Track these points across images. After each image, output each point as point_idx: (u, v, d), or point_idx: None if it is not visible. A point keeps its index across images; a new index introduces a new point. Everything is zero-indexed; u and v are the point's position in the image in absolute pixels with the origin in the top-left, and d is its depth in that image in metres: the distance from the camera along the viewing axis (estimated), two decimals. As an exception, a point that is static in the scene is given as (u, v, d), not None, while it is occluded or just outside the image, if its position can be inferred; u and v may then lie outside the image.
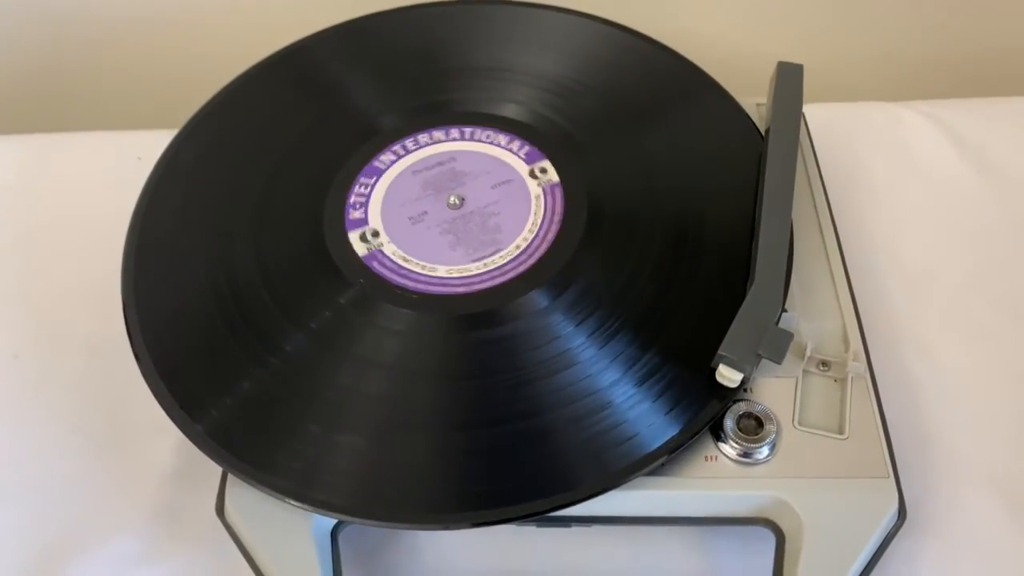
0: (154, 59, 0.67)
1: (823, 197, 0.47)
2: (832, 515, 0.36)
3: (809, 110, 0.49)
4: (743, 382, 0.38)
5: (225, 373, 0.39)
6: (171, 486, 0.43)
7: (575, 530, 0.38)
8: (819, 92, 0.53)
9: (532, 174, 0.45)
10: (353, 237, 0.43)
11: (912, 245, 0.52)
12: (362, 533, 0.41)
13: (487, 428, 0.38)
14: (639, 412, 0.38)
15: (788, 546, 0.37)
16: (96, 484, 0.44)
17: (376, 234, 0.43)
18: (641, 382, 0.38)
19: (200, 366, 0.40)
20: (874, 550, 0.37)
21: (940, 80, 0.66)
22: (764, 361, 0.39)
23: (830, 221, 0.46)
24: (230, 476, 0.38)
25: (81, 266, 0.52)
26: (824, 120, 0.54)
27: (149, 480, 0.44)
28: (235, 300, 0.41)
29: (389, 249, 0.42)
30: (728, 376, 0.38)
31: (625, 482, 0.36)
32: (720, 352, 0.37)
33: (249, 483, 0.37)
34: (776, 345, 0.37)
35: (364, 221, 0.43)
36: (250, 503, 0.38)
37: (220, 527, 0.39)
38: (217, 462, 0.38)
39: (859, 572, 0.36)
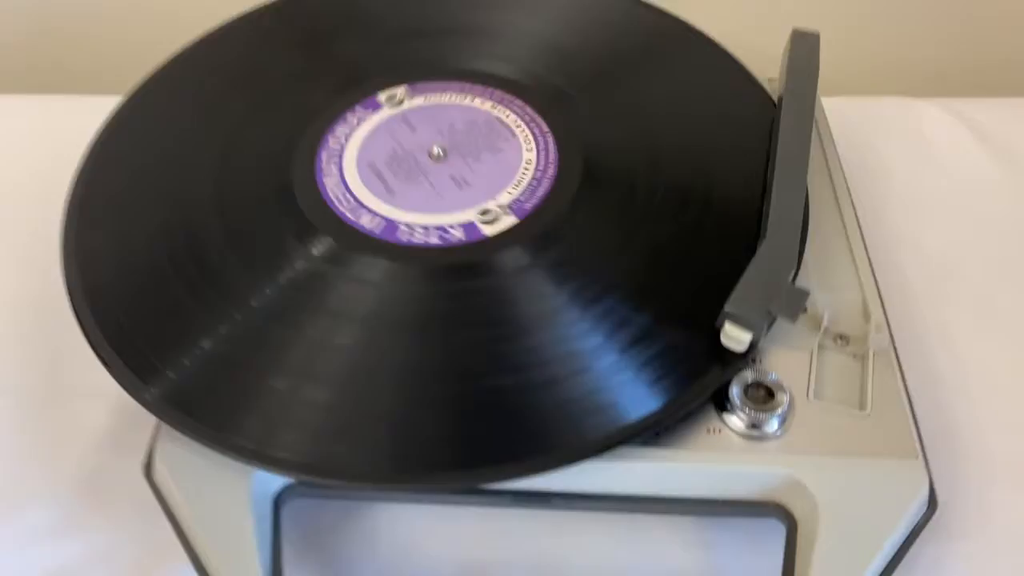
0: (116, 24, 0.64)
1: (840, 175, 0.44)
2: (852, 499, 0.32)
3: (829, 104, 0.48)
4: (751, 345, 0.33)
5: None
6: (100, 452, 0.38)
7: (564, 521, 0.34)
8: (840, 89, 0.51)
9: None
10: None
11: (935, 239, 0.48)
12: (313, 515, 0.36)
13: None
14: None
15: (801, 534, 0.32)
16: (16, 448, 0.39)
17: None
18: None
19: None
20: (901, 541, 0.31)
21: (962, 82, 0.64)
22: (774, 329, 0.34)
23: (848, 198, 0.43)
24: (162, 430, 0.33)
25: (16, 215, 0.48)
26: (845, 114, 0.51)
27: (76, 445, 0.39)
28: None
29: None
30: (735, 336, 0.33)
31: (608, 451, 0.32)
32: (726, 309, 0.33)
33: (181, 431, 0.32)
34: (790, 302, 0.33)
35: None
36: (183, 461, 0.33)
37: (150, 500, 0.34)
38: (148, 409, 0.33)
39: (883, 566, 0.31)
